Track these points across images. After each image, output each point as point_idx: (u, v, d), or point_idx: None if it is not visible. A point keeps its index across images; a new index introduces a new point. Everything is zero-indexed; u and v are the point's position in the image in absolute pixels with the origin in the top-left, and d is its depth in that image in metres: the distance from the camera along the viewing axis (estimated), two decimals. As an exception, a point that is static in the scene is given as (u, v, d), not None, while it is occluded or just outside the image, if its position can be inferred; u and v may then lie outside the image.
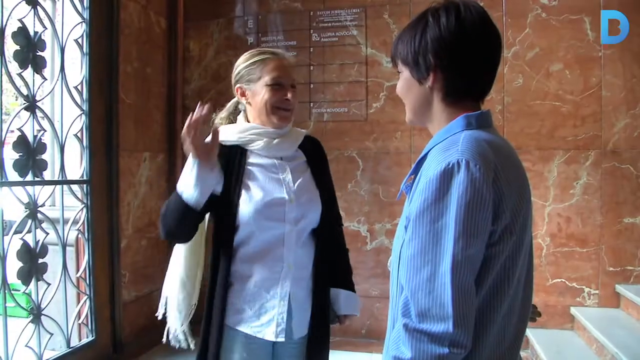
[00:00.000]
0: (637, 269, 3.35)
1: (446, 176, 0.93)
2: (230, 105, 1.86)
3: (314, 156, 1.81)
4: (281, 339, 1.64)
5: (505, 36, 3.51)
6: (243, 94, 1.75)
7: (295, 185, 1.68)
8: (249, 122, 1.76)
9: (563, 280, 3.46)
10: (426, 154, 1.06)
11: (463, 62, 1.04)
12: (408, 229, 0.99)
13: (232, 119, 1.84)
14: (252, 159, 1.70)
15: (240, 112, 1.83)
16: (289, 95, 1.70)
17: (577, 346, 3.21)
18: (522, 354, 3.38)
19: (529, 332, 3.38)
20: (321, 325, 1.76)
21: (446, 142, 1.01)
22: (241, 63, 1.75)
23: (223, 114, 1.86)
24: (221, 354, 1.65)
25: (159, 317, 1.81)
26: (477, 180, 0.91)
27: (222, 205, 1.65)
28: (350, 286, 1.88)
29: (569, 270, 3.46)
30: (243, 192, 1.64)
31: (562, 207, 3.48)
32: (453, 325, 0.89)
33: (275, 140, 1.70)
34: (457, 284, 0.90)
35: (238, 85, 1.75)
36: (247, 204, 1.62)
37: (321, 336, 1.76)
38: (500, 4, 3.54)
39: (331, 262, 1.81)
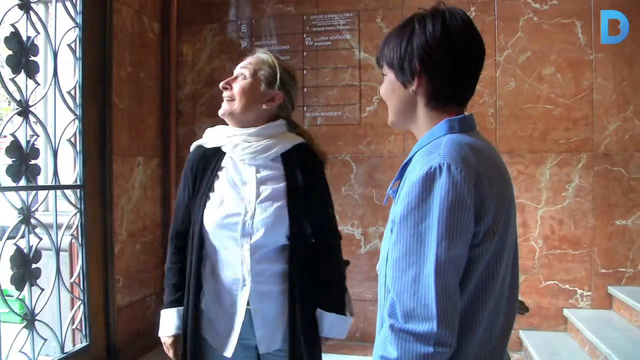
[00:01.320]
0: (629, 270, 3.38)
1: (428, 180, 0.95)
2: None
3: (298, 168, 1.67)
4: (230, 352, 1.61)
5: (498, 40, 3.53)
6: None
7: (259, 198, 1.60)
8: None
9: (556, 282, 3.48)
10: (411, 158, 1.08)
11: (447, 68, 1.06)
12: (393, 232, 1.00)
13: None
14: (224, 163, 1.67)
15: None
16: (221, 83, 1.67)
17: (570, 348, 3.23)
18: (516, 355, 3.42)
19: (522, 334, 3.40)
20: (304, 339, 1.61)
21: (429, 146, 1.03)
22: None
23: None
24: None
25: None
26: (458, 183, 0.94)
27: (192, 214, 1.66)
28: (336, 308, 1.71)
29: (561, 273, 3.48)
30: (207, 202, 1.62)
31: (554, 209, 3.50)
32: (437, 325, 0.91)
33: (243, 145, 1.63)
34: (441, 284, 0.92)
35: None
36: (208, 215, 1.61)
37: (303, 351, 1.61)
38: (493, 8, 3.57)
39: (316, 281, 1.68)
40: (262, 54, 1.72)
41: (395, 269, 0.97)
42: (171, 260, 1.73)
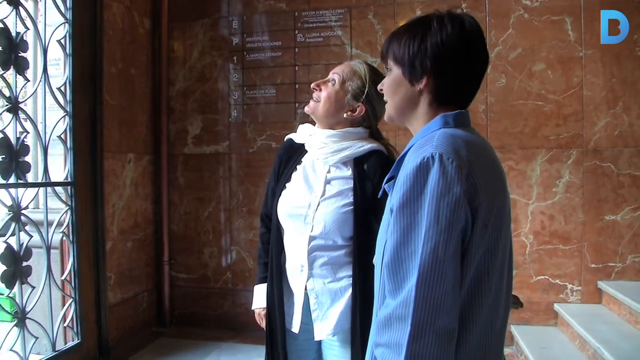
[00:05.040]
0: (618, 265, 3.41)
1: (422, 170, 0.96)
2: None
3: (371, 174, 1.68)
4: (296, 331, 1.71)
5: (489, 37, 3.54)
6: None
7: (323, 195, 1.68)
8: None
9: (546, 277, 3.51)
10: (406, 152, 1.09)
11: (457, 71, 1.09)
12: (390, 223, 1.01)
13: None
14: (304, 159, 1.77)
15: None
16: (313, 84, 1.76)
17: (560, 342, 3.26)
18: (507, 350, 3.44)
19: (514, 329, 3.42)
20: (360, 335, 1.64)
21: (423, 140, 1.05)
22: None
23: None
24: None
25: None
26: (449, 173, 0.95)
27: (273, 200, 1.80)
28: None
29: (552, 268, 3.51)
30: (283, 191, 1.75)
31: (545, 205, 3.52)
32: (410, 331, 0.92)
33: (319, 145, 1.71)
34: (425, 282, 0.93)
35: None
36: (280, 203, 1.73)
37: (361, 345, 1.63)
38: (484, 5, 3.58)
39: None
40: (357, 64, 1.77)
41: (391, 261, 0.98)
42: (262, 240, 1.92)
